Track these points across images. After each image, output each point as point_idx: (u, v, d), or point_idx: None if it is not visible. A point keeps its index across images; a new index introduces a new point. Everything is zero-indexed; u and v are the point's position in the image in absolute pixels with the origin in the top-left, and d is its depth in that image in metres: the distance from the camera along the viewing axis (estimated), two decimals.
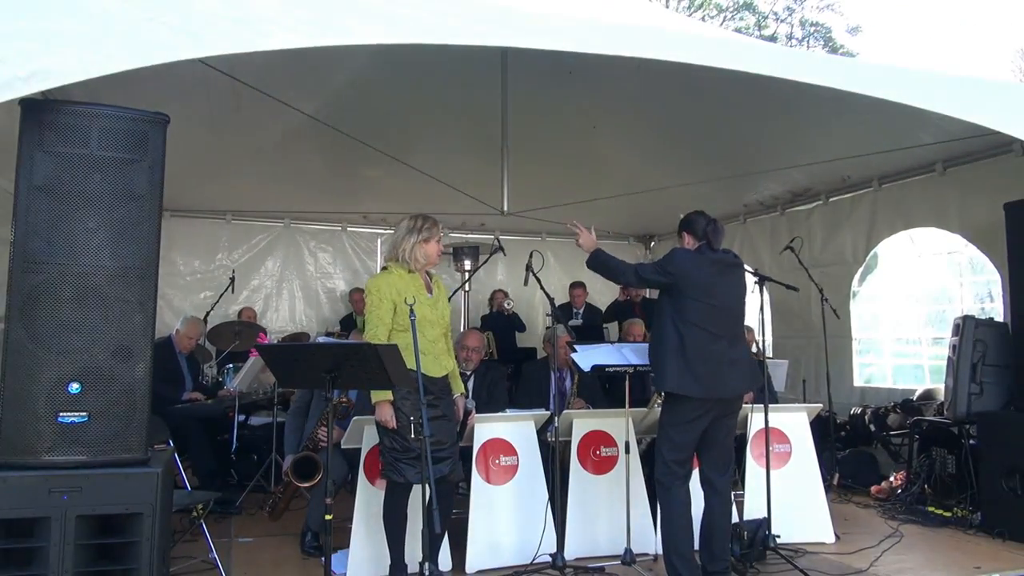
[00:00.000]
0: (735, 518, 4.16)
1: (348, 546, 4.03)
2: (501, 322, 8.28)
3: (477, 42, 3.26)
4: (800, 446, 4.91)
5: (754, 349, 5.23)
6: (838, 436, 6.46)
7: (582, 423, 4.58)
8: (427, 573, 3.26)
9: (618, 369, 4.31)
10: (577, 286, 8.56)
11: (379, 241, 9.25)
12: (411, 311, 3.40)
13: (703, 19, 22.60)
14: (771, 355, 6.98)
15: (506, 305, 8.39)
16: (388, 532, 3.71)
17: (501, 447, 4.39)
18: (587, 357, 4.33)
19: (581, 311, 8.52)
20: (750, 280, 4.35)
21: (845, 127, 5.47)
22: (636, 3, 5.05)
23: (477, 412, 4.53)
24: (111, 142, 3.01)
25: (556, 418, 4.30)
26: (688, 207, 4.05)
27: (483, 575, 4.12)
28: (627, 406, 4.42)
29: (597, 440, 4.57)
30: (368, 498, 4.04)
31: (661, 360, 3.75)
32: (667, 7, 19.92)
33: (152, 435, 3.20)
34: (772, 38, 23.22)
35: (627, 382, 4.39)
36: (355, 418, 4.20)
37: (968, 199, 6.05)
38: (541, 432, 4.53)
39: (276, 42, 2.91)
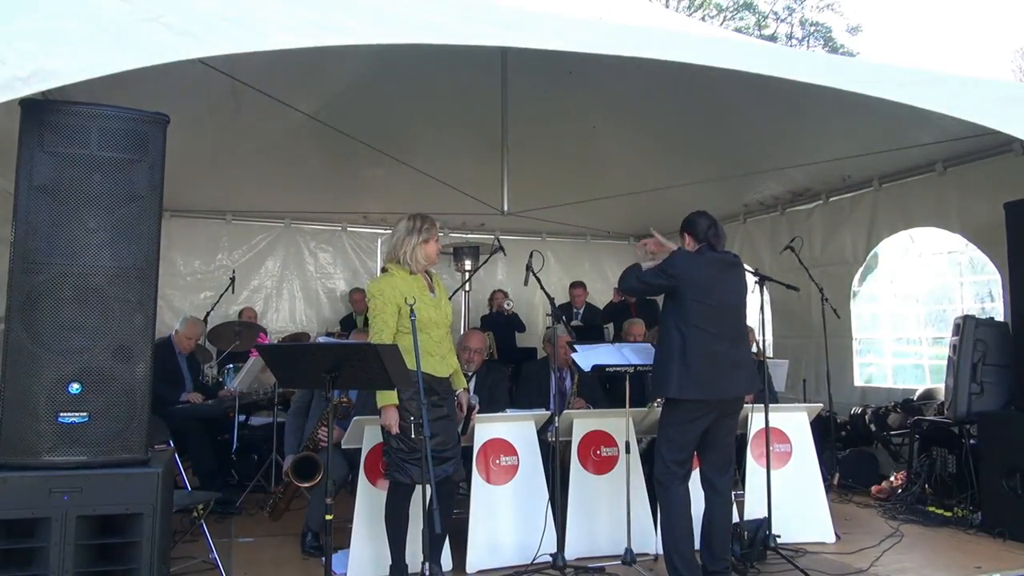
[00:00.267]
0: (736, 518, 4.16)
1: (348, 546, 4.02)
2: (501, 322, 8.28)
3: (477, 42, 3.26)
4: (800, 446, 4.91)
5: (754, 349, 5.22)
6: (838, 436, 6.46)
7: (582, 423, 4.58)
8: (428, 573, 3.26)
9: (618, 369, 4.31)
10: (577, 286, 8.57)
11: (379, 241, 9.26)
12: (412, 312, 3.40)
13: (703, 19, 22.60)
14: (771, 355, 6.99)
15: (506, 305, 8.39)
16: (390, 533, 3.70)
17: (501, 447, 4.39)
18: (587, 357, 4.33)
19: (581, 311, 8.53)
20: (750, 280, 4.35)
21: (845, 127, 5.47)
22: (636, 3, 5.05)
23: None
24: (111, 142, 3.01)
25: (556, 418, 4.29)
26: (688, 207, 4.05)
27: (483, 575, 4.12)
28: (627, 406, 4.42)
29: (597, 440, 4.57)
30: (369, 498, 4.04)
31: (663, 364, 3.76)
32: (667, 7, 19.91)
33: (152, 435, 3.20)
34: (772, 38, 23.22)
35: (627, 382, 4.38)
36: (355, 418, 4.20)
37: (968, 199, 6.05)
38: (541, 432, 4.53)
39: (276, 42, 2.91)
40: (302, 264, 9.04)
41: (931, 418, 5.82)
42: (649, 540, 4.37)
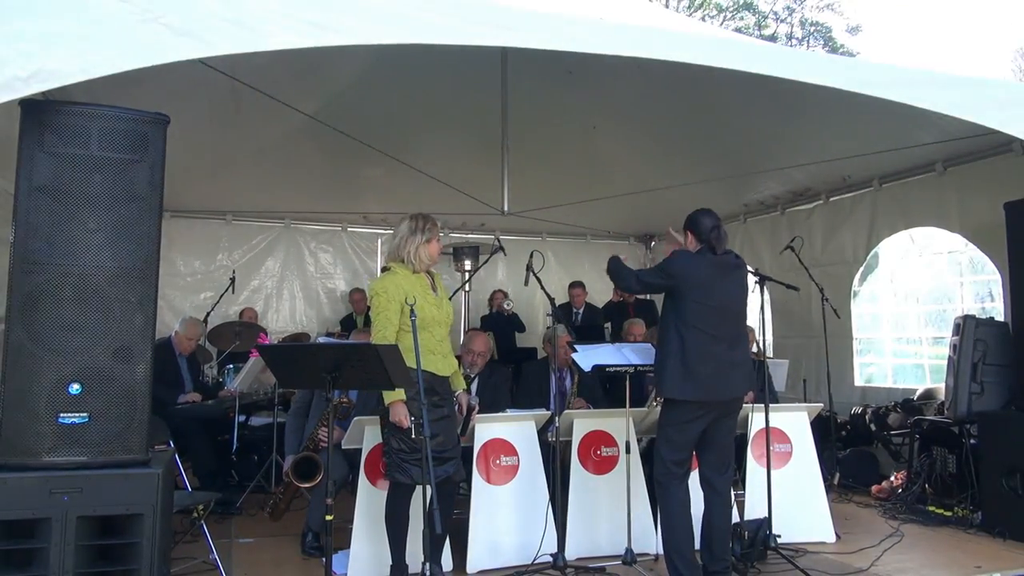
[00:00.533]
0: (736, 518, 4.16)
1: (349, 546, 4.02)
2: (501, 322, 8.28)
3: (477, 42, 3.26)
4: (801, 446, 4.91)
5: (754, 349, 5.22)
6: (839, 436, 6.46)
7: (583, 423, 4.58)
8: (428, 573, 3.26)
9: (618, 369, 4.31)
10: (576, 286, 8.56)
11: (379, 241, 9.26)
12: (412, 312, 3.41)
13: (703, 19, 22.60)
14: (772, 355, 6.99)
15: (505, 306, 8.39)
16: (390, 533, 3.70)
17: (502, 447, 4.39)
18: (588, 357, 4.33)
19: (581, 311, 8.53)
20: (751, 280, 4.35)
21: (845, 127, 5.47)
22: (636, 3, 5.04)
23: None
24: (111, 142, 3.01)
25: (557, 418, 4.29)
26: (688, 207, 4.03)
27: (484, 575, 4.12)
28: (627, 406, 4.42)
29: (598, 440, 4.57)
30: (369, 498, 4.04)
31: (663, 364, 3.76)
32: (667, 7, 19.91)
33: (152, 436, 3.20)
34: (772, 38, 23.22)
35: (627, 382, 4.38)
36: (356, 418, 4.20)
37: (968, 199, 6.05)
38: (542, 432, 4.53)
39: (276, 42, 2.91)
40: (302, 264, 9.04)
41: (931, 418, 5.82)
42: (650, 540, 4.37)
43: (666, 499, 3.78)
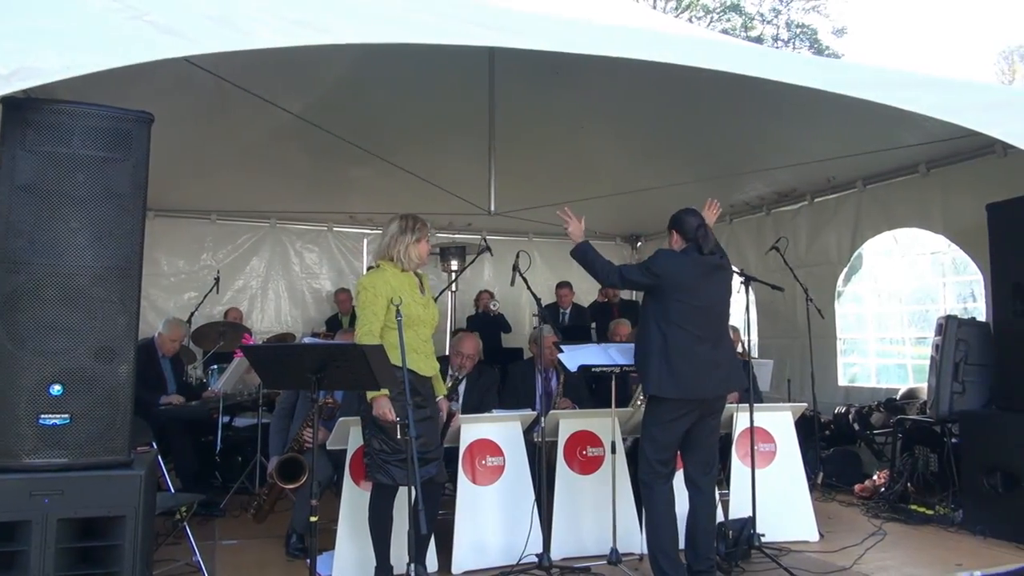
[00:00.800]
0: (720, 517, 4.18)
1: (333, 548, 4.01)
2: (487, 323, 8.27)
3: (464, 42, 3.25)
4: (785, 445, 4.94)
5: (740, 349, 5.25)
6: (822, 435, 6.50)
7: (568, 423, 4.59)
8: (413, 574, 3.25)
9: (604, 369, 4.32)
10: (564, 286, 8.57)
11: (365, 241, 9.23)
12: (397, 311, 3.40)
13: (690, 20, 22.68)
14: (756, 355, 7.01)
15: (492, 306, 8.38)
16: (373, 534, 3.69)
17: (487, 448, 4.38)
18: (574, 357, 4.33)
19: (568, 311, 8.53)
20: (736, 280, 4.37)
21: (830, 128, 5.50)
22: (623, 4, 5.05)
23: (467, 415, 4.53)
24: (94, 141, 2.98)
25: (542, 418, 4.29)
26: (674, 207, 4.04)
27: (469, 575, 4.11)
28: (613, 406, 4.42)
29: (583, 440, 4.58)
30: (354, 499, 4.02)
31: (645, 362, 3.77)
32: (654, 8, 19.97)
33: (135, 437, 3.18)
34: (758, 39, 23.33)
35: (613, 382, 4.39)
36: (341, 419, 4.18)
37: (951, 200, 6.11)
38: (527, 432, 4.53)
39: (262, 41, 2.90)
40: (288, 264, 8.99)
41: (914, 417, 5.87)
42: (635, 540, 4.38)
43: (651, 499, 3.79)
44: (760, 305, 7.60)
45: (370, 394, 3.50)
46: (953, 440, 5.27)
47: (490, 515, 4.29)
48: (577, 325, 8.30)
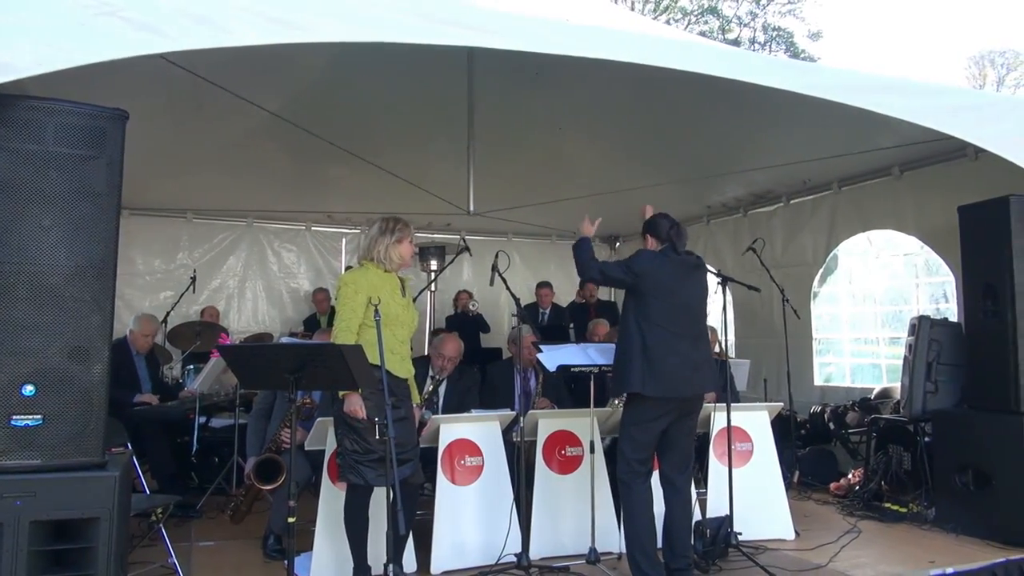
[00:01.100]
0: (698, 516, 4.21)
1: (311, 549, 3.98)
2: (466, 323, 8.26)
3: (442, 42, 3.26)
4: (761, 445, 4.98)
5: (717, 349, 5.29)
6: (798, 434, 6.56)
7: (547, 423, 4.60)
8: (391, 575, 3.24)
9: (583, 369, 4.33)
10: (543, 286, 8.57)
11: (344, 241, 9.18)
12: (376, 311, 3.39)
13: (668, 22, 22.80)
14: (733, 355, 7.08)
15: (471, 306, 8.37)
16: (350, 535, 3.67)
17: (466, 448, 4.38)
18: (553, 357, 4.35)
19: (547, 311, 8.54)
20: (713, 281, 4.40)
21: (806, 130, 5.56)
22: (601, 5, 5.07)
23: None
24: (68, 138, 2.95)
25: (521, 418, 4.30)
26: (653, 208, 4.09)
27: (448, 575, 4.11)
28: (592, 406, 4.44)
29: (562, 440, 4.59)
30: (332, 500, 4.00)
31: (625, 361, 3.78)
32: (632, 10, 20.06)
33: (110, 438, 3.14)
34: (736, 42, 23.51)
35: (592, 382, 4.40)
36: (319, 419, 4.16)
37: (924, 202, 6.19)
38: (506, 432, 4.53)
39: (239, 38, 2.88)
40: (265, 264, 8.92)
41: (887, 416, 5.94)
42: (613, 539, 4.40)
43: (629, 498, 3.81)
44: (737, 305, 7.65)
45: (341, 391, 3.49)
46: (926, 439, 5.34)
47: (469, 515, 4.29)
48: (556, 325, 8.32)
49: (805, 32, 25.87)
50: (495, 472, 4.39)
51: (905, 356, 5.58)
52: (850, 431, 6.46)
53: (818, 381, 7.40)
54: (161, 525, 4.01)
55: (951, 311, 6.19)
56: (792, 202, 7.56)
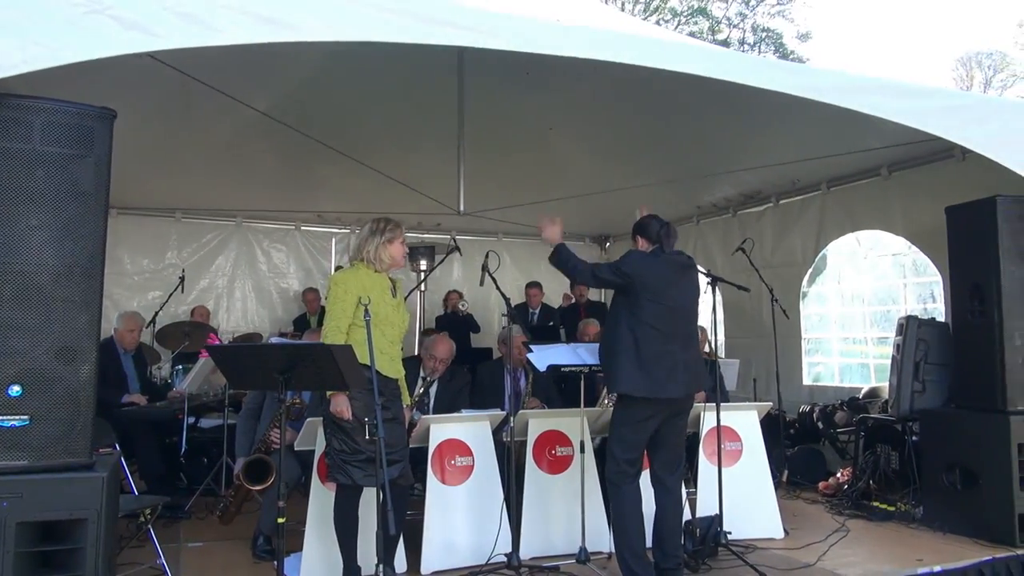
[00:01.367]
0: (688, 515, 4.22)
1: (301, 549, 3.97)
2: (456, 323, 8.25)
3: (432, 41, 3.25)
4: (751, 444, 5.00)
5: (706, 349, 5.30)
6: (787, 434, 6.59)
7: (537, 423, 4.60)
8: (382, 575, 3.23)
9: (573, 369, 4.34)
10: (533, 286, 8.59)
11: (333, 240, 9.15)
12: (366, 311, 3.39)
13: (658, 23, 22.85)
14: (723, 355, 7.11)
15: (461, 306, 8.37)
16: (339, 536, 3.67)
17: (457, 448, 4.38)
18: (543, 357, 4.35)
19: (537, 311, 8.55)
20: (703, 281, 4.42)
21: (795, 131, 5.58)
22: (592, 6, 5.08)
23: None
24: (55, 137, 2.93)
25: (512, 418, 4.30)
26: (648, 208, 4.10)
27: None
28: (582, 405, 4.44)
29: (552, 440, 4.59)
30: (321, 500, 3.99)
31: (614, 361, 3.79)
32: (623, 10, 20.10)
33: (98, 438, 3.12)
34: (725, 43, 23.58)
35: (582, 382, 4.41)
36: (308, 419, 4.15)
37: (912, 202, 6.23)
38: (496, 432, 4.53)
39: (228, 37, 2.87)
40: (254, 263, 8.89)
41: (876, 416, 5.97)
42: (603, 539, 4.40)
43: (619, 498, 3.82)
44: (727, 305, 7.70)
45: (330, 391, 3.48)
46: (914, 438, 5.37)
47: (459, 515, 4.28)
48: (546, 325, 8.33)
49: (794, 33, 26.00)
50: (485, 472, 4.39)
51: (893, 356, 5.61)
52: (838, 430, 6.49)
53: (807, 381, 7.43)
54: (150, 526, 4.00)
55: (939, 311, 6.23)
56: (781, 202, 7.60)
